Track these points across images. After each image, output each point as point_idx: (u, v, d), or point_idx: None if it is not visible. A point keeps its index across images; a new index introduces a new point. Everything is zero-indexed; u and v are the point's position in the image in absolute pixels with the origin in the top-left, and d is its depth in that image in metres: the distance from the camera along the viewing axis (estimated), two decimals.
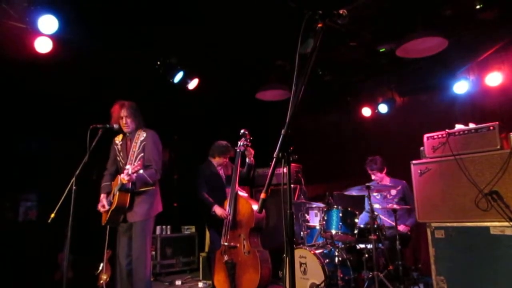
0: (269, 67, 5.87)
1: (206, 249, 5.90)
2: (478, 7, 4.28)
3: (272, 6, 4.17)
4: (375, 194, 4.88)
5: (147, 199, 3.59)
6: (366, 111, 6.73)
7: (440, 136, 3.59)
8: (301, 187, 5.95)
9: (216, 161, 4.83)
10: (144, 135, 3.68)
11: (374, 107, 6.61)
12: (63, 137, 5.28)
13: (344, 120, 7.08)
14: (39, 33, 4.15)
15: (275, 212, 5.64)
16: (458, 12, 4.48)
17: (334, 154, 6.93)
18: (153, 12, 4.43)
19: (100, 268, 4.66)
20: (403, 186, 4.86)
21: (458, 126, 3.55)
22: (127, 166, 3.38)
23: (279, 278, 4.81)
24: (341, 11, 1.96)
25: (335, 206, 4.42)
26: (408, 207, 4.60)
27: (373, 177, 5.00)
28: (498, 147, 3.24)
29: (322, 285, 4.00)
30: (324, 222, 4.37)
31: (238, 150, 4.56)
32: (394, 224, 4.39)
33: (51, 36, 4.25)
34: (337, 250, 4.22)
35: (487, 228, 3.18)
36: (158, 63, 5.27)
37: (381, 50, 5.38)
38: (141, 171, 3.35)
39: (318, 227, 4.71)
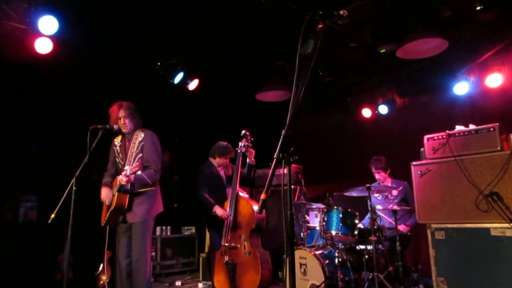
0: (270, 68, 5.87)
1: (206, 249, 5.90)
2: (478, 8, 4.28)
3: (272, 7, 4.17)
4: (376, 195, 4.88)
5: (146, 199, 3.59)
6: (366, 112, 6.73)
7: (440, 137, 3.59)
8: (301, 188, 5.95)
9: (216, 161, 4.83)
10: (142, 135, 3.67)
11: (374, 108, 6.61)
12: (63, 138, 5.28)
13: (344, 121, 7.07)
14: (39, 34, 4.15)
15: (275, 213, 5.64)
16: (458, 13, 4.48)
17: (334, 155, 6.92)
18: (153, 13, 4.43)
19: (100, 268, 4.66)
20: (405, 187, 4.86)
21: (458, 127, 3.55)
22: (126, 167, 3.38)
23: (279, 278, 4.81)
24: (341, 12, 1.96)
25: (335, 207, 4.42)
26: (409, 208, 4.60)
27: (376, 176, 4.99)
28: (498, 148, 3.24)
29: (322, 286, 4.00)
30: (324, 223, 4.37)
31: (239, 150, 4.56)
32: (393, 223, 4.39)
33: (51, 37, 4.25)
34: (337, 251, 4.22)
35: (488, 229, 3.18)
36: (158, 63, 5.27)
37: (381, 51, 5.37)
38: (139, 172, 3.35)
39: (318, 228, 4.71)
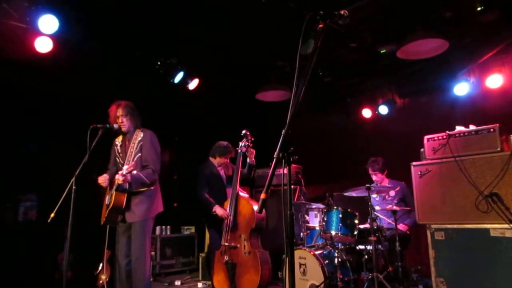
0: (270, 67, 5.87)
1: (206, 249, 5.90)
2: (478, 9, 4.28)
3: (272, 7, 4.17)
4: (374, 195, 4.88)
5: (145, 199, 3.59)
6: (367, 112, 6.73)
7: (440, 137, 3.59)
8: (301, 188, 5.95)
9: (216, 161, 4.83)
10: (142, 135, 3.67)
11: (374, 109, 6.61)
12: (63, 137, 5.28)
13: (344, 121, 7.07)
14: (40, 33, 4.14)
15: (275, 213, 5.64)
16: (459, 14, 4.48)
17: (334, 155, 6.92)
18: (153, 12, 4.43)
19: (100, 268, 4.66)
20: (402, 187, 4.86)
21: (459, 128, 3.55)
22: (124, 167, 3.38)
23: (279, 278, 4.81)
24: (342, 12, 1.96)
25: (335, 207, 4.41)
26: (409, 208, 4.60)
27: (374, 177, 5.00)
28: (499, 149, 3.24)
29: (322, 286, 4.00)
30: (324, 223, 4.37)
31: (239, 150, 4.56)
32: (393, 225, 4.39)
33: (52, 36, 4.25)
34: (336, 251, 4.22)
35: (487, 230, 3.18)
36: (159, 63, 5.27)
37: (381, 52, 5.37)
38: (134, 172, 3.34)
39: (318, 228, 4.71)
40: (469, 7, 4.32)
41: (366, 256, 4.19)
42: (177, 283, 5.59)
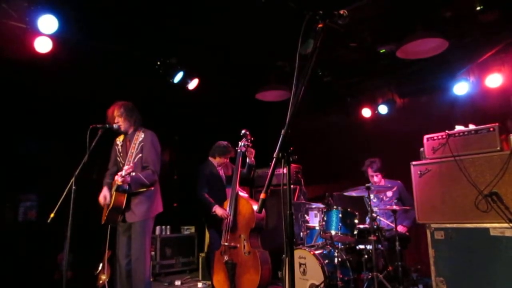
0: (269, 67, 5.88)
1: (206, 249, 5.90)
2: (478, 8, 4.28)
3: (272, 6, 4.17)
4: (371, 197, 4.87)
5: (145, 200, 3.59)
6: (366, 112, 6.73)
7: (440, 137, 3.59)
8: (300, 188, 5.95)
9: (216, 161, 4.83)
10: (143, 136, 3.68)
11: (374, 108, 6.61)
12: (63, 137, 5.28)
13: (344, 120, 7.07)
14: (39, 33, 4.14)
15: (275, 212, 5.64)
16: (458, 14, 4.48)
17: (334, 155, 6.92)
18: (153, 12, 4.43)
19: (100, 268, 4.66)
20: (399, 186, 4.87)
21: (458, 127, 3.55)
22: (125, 167, 3.38)
23: (279, 278, 4.81)
24: (341, 12, 1.96)
25: (335, 207, 4.42)
26: (408, 208, 4.60)
27: (374, 178, 4.97)
28: (498, 148, 3.24)
29: (322, 285, 4.00)
30: (323, 223, 4.37)
31: (239, 150, 4.56)
32: (393, 225, 4.39)
33: (51, 36, 4.25)
34: (336, 250, 4.22)
35: (487, 229, 3.18)
36: (158, 63, 5.27)
37: (381, 51, 5.37)
38: (133, 173, 3.35)
39: (317, 228, 4.71)
40: (469, 6, 4.31)
41: (366, 256, 4.19)
42: (177, 283, 5.59)
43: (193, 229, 6.82)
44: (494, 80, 5.24)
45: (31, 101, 5.14)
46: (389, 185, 4.84)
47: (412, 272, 4.64)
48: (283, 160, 1.73)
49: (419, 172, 3.66)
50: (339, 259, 4.14)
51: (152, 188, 3.64)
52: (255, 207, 4.25)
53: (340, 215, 4.28)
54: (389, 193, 4.92)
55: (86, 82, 5.11)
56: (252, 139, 4.58)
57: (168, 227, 6.54)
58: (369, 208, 4.18)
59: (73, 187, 3.11)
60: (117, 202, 3.47)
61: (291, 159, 1.74)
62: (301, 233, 4.93)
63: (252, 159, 4.67)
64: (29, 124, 5.23)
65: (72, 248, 3.12)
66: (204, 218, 4.83)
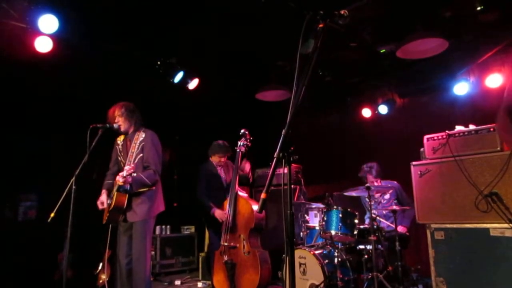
0: (270, 67, 5.88)
1: (206, 249, 5.91)
2: (478, 8, 4.28)
3: (272, 6, 4.17)
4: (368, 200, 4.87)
5: (147, 199, 3.60)
6: (366, 112, 6.73)
7: (440, 137, 3.59)
8: (301, 188, 5.95)
9: (214, 160, 4.85)
10: (143, 136, 3.68)
11: (374, 108, 6.61)
12: (63, 137, 5.28)
13: (344, 120, 7.08)
14: (39, 33, 4.14)
15: (275, 212, 5.64)
16: (459, 14, 4.48)
17: (334, 155, 6.93)
18: (154, 12, 4.43)
19: (100, 267, 4.66)
20: (395, 187, 4.87)
21: (458, 128, 3.55)
22: (126, 167, 3.39)
23: (279, 278, 4.81)
24: (342, 12, 1.96)
25: (335, 207, 4.42)
26: (408, 208, 4.60)
27: (375, 184, 4.96)
28: (498, 148, 3.24)
29: (322, 285, 4.00)
30: (323, 223, 4.37)
31: (238, 150, 4.56)
32: (393, 226, 4.39)
33: (51, 36, 4.25)
34: (336, 250, 4.22)
35: (487, 229, 3.19)
36: (158, 63, 5.27)
37: (381, 51, 5.38)
38: (134, 174, 3.35)
39: (317, 228, 4.71)
40: (469, 7, 4.32)
41: (366, 256, 4.19)
42: (177, 282, 5.59)
43: (193, 229, 6.82)
44: (494, 80, 5.24)
45: (31, 100, 5.14)
46: (389, 185, 4.84)
47: (412, 272, 4.64)
48: (283, 160, 1.73)
49: (419, 172, 3.66)
50: (339, 259, 4.14)
51: (154, 188, 3.64)
52: (255, 207, 4.25)
53: (340, 215, 4.28)
54: (387, 196, 4.92)
55: (86, 81, 5.11)
56: (251, 138, 4.58)
57: (168, 227, 6.55)
58: (368, 208, 4.18)
59: (73, 187, 3.11)
60: (118, 202, 3.47)
61: (291, 159, 1.74)
62: (301, 233, 4.93)
63: (247, 171, 4.67)
64: (29, 124, 5.24)
65: (72, 247, 3.12)
66: (204, 218, 4.83)
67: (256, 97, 6.20)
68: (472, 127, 3.46)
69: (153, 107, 5.26)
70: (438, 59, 5.04)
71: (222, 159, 4.84)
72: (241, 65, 5.79)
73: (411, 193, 3.85)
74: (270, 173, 1.71)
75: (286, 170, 1.75)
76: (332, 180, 6.71)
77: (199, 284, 5.39)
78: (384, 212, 4.85)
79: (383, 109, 6.38)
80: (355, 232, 4.22)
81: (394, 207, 4.37)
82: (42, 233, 4.96)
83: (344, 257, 4.23)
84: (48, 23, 4.01)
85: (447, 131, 3.55)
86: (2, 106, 4.93)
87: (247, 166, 4.71)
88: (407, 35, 4.57)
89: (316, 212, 5.14)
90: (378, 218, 4.58)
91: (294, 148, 1.75)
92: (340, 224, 4.25)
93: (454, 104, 5.59)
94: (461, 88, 5.50)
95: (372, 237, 4.02)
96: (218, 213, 4.48)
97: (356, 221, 4.29)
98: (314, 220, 5.09)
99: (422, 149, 3.75)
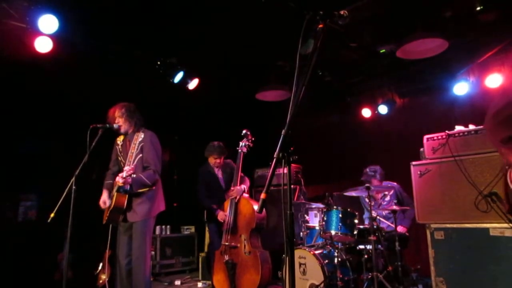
0: (270, 67, 5.88)
1: (206, 249, 5.91)
2: (478, 8, 4.28)
3: (272, 6, 4.17)
4: (367, 201, 4.87)
5: (147, 200, 3.60)
6: (366, 112, 6.73)
7: (440, 137, 3.59)
8: (300, 188, 5.95)
9: (210, 161, 4.85)
10: (143, 136, 3.68)
11: (374, 108, 6.61)
12: (63, 137, 5.28)
13: (344, 120, 7.08)
14: (39, 33, 4.15)
15: (275, 212, 5.64)
16: (458, 14, 4.48)
17: (334, 155, 6.93)
18: (154, 12, 4.43)
19: (100, 267, 4.66)
20: (395, 188, 4.87)
21: (458, 128, 3.55)
22: (126, 167, 3.39)
23: (279, 278, 4.81)
24: (341, 12, 1.96)
25: (335, 207, 4.41)
26: (408, 208, 4.60)
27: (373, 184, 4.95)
28: None
29: (322, 285, 4.00)
30: (323, 223, 4.37)
31: (239, 150, 4.55)
32: (393, 226, 4.39)
33: (51, 36, 4.25)
34: (336, 250, 4.22)
35: (487, 229, 3.19)
36: (158, 63, 5.27)
37: (381, 51, 5.38)
38: (134, 175, 3.35)
39: (317, 228, 4.71)
40: (469, 6, 4.32)
41: (366, 256, 4.19)
42: (177, 282, 5.59)
43: (193, 229, 6.82)
44: (494, 80, 5.24)
45: (31, 100, 5.14)
46: (389, 185, 4.84)
47: (412, 272, 4.64)
48: (283, 160, 1.73)
49: (419, 172, 3.66)
50: (339, 259, 4.14)
51: (154, 188, 3.64)
52: (256, 207, 4.26)
53: (340, 215, 4.28)
54: (387, 198, 4.92)
55: (86, 82, 5.11)
56: (253, 139, 4.58)
57: (168, 226, 6.55)
58: (368, 208, 4.18)
59: (73, 187, 3.11)
60: (118, 203, 3.48)
61: (291, 159, 1.74)
62: (301, 233, 4.93)
63: (247, 187, 4.65)
64: (29, 124, 5.24)
65: (72, 248, 3.12)
66: (205, 218, 4.84)
67: (256, 97, 6.20)
68: (472, 127, 3.45)
69: (153, 107, 5.26)
70: (438, 59, 5.04)
71: (218, 160, 4.81)
72: (241, 65, 5.79)
73: (411, 193, 3.85)
74: (270, 173, 1.71)
75: (286, 170, 1.75)
76: (332, 180, 6.72)
77: (199, 284, 5.39)
78: (384, 212, 4.85)
79: (383, 109, 6.38)
80: (355, 232, 4.22)
81: (394, 207, 4.37)
82: (42, 233, 4.97)
83: (344, 257, 4.23)
84: (48, 23, 4.02)
85: (446, 131, 3.55)
86: (2, 106, 4.92)
87: (247, 183, 4.69)
88: (407, 35, 4.57)
89: (316, 212, 5.14)
90: (378, 218, 4.58)
91: (294, 148, 1.75)
92: (340, 224, 4.24)
93: (454, 104, 5.59)
94: (461, 88, 5.50)
95: (372, 237, 4.02)
96: (219, 215, 4.51)
97: (356, 221, 4.29)
98: (314, 220, 5.09)
99: (421, 149, 3.75)
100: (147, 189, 3.57)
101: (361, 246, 4.35)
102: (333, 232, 4.25)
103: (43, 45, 4.27)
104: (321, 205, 4.95)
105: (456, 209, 3.37)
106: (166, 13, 4.45)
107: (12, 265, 4.87)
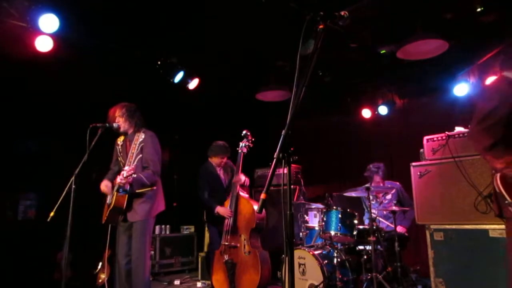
0: (270, 67, 5.88)
1: (205, 249, 5.91)
2: (478, 10, 4.29)
3: (273, 7, 4.17)
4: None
5: (147, 200, 3.60)
6: (366, 113, 6.74)
7: (440, 138, 3.59)
8: (300, 188, 5.95)
9: (213, 161, 4.84)
10: (143, 136, 3.67)
11: (374, 109, 6.62)
12: (63, 136, 5.28)
13: (344, 121, 7.08)
14: (40, 32, 4.15)
15: (275, 212, 5.64)
16: (459, 15, 4.48)
17: (333, 155, 6.93)
18: (154, 12, 4.43)
19: (99, 267, 4.66)
20: (397, 188, 4.87)
21: (458, 129, 3.56)
22: (126, 167, 3.39)
23: (278, 278, 4.81)
24: (342, 13, 1.96)
25: (335, 207, 4.42)
26: (407, 209, 4.60)
27: (380, 184, 4.96)
28: None
29: (321, 286, 4.00)
30: (323, 223, 4.37)
31: (240, 150, 4.55)
32: (392, 226, 4.40)
33: (52, 35, 4.25)
34: (336, 251, 4.23)
35: (486, 230, 3.19)
36: (159, 62, 5.27)
37: (381, 52, 5.38)
38: (134, 175, 3.36)
39: (317, 228, 4.71)
40: (469, 8, 4.32)
41: (365, 256, 4.20)
42: (176, 282, 5.59)
43: (192, 229, 6.82)
44: None
45: (31, 99, 5.14)
46: (389, 186, 4.85)
47: (411, 272, 4.65)
48: (283, 161, 1.73)
49: (418, 173, 3.67)
50: (339, 260, 4.14)
51: (154, 188, 3.64)
52: (256, 207, 4.26)
53: (340, 216, 4.28)
54: (388, 196, 4.92)
55: (87, 81, 5.11)
56: (253, 139, 4.58)
57: (167, 226, 6.55)
58: (367, 209, 4.18)
59: (73, 186, 3.11)
60: (118, 203, 3.47)
61: (291, 160, 1.74)
62: (301, 234, 4.93)
63: (247, 184, 4.64)
64: (29, 123, 5.23)
65: (71, 247, 3.12)
66: (205, 218, 4.83)
67: (256, 97, 6.20)
68: None
69: (153, 107, 5.26)
70: (438, 60, 5.04)
71: (223, 160, 4.83)
72: (242, 65, 5.80)
73: (411, 194, 3.86)
74: (270, 174, 1.71)
75: (286, 171, 1.75)
76: (332, 180, 6.72)
77: (199, 284, 5.39)
78: (384, 212, 4.86)
79: (383, 110, 6.38)
80: (355, 233, 4.22)
81: (394, 208, 4.38)
82: (41, 232, 4.96)
83: (344, 257, 4.23)
84: (49, 22, 4.02)
85: (446, 132, 3.56)
86: (2, 105, 4.92)
87: (246, 181, 4.69)
88: (407, 36, 4.57)
89: (315, 212, 5.14)
90: (378, 218, 4.59)
91: (294, 149, 1.75)
92: (340, 224, 4.25)
93: (454, 105, 5.60)
94: (461, 89, 5.50)
95: (371, 238, 4.03)
96: (221, 210, 4.45)
97: (356, 221, 4.29)
98: (314, 221, 5.09)
99: (421, 150, 3.76)
100: (146, 189, 3.57)
101: (361, 247, 4.36)
102: (332, 233, 4.26)
103: (43, 44, 4.27)
104: (320, 206, 4.95)
105: (456, 210, 3.37)
106: (167, 13, 4.45)
107: (11, 264, 4.86)
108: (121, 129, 3.69)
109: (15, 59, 4.39)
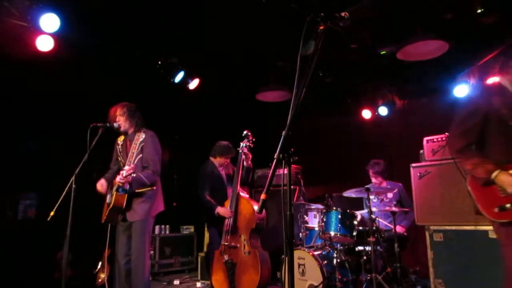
0: (270, 68, 5.88)
1: (205, 249, 5.91)
2: (479, 11, 4.29)
3: (273, 7, 4.18)
4: (372, 197, 4.89)
5: (146, 199, 3.60)
6: (366, 114, 6.74)
7: (439, 139, 3.60)
8: (300, 189, 5.95)
9: (217, 161, 4.83)
10: (143, 136, 3.68)
11: (374, 110, 6.62)
12: (63, 136, 5.28)
13: (344, 122, 7.08)
14: (41, 32, 4.15)
15: (275, 213, 5.65)
16: (459, 16, 4.49)
17: (333, 156, 6.93)
18: (154, 12, 4.43)
19: (99, 266, 4.66)
20: (399, 189, 4.88)
21: None
22: (125, 167, 3.39)
23: (278, 279, 4.82)
24: (342, 14, 1.96)
25: (334, 208, 4.42)
26: (407, 209, 4.61)
27: (373, 180, 5.00)
28: None
29: (320, 286, 4.01)
30: (323, 224, 4.37)
31: (240, 151, 4.55)
32: (391, 226, 4.40)
33: (53, 35, 4.25)
34: (335, 251, 4.23)
35: (486, 231, 3.19)
36: (159, 62, 5.27)
37: (381, 53, 5.38)
38: (133, 175, 3.36)
39: (317, 229, 4.72)
40: (469, 9, 4.33)
41: (365, 257, 4.20)
42: (176, 282, 5.59)
43: (192, 229, 6.82)
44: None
45: (32, 99, 5.14)
46: (389, 187, 4.85)
47: (410, 273, 4.65)
48: (283, 161, 1.74)
49: (418, 174, 3.67)
50: (338, 260, 4.14)
51: (154, 188, 3.65)
52: (256, 208, 4.26)
53: (340, 216, 4.29)
54: (390, 195, 4.93)
55: (87, 81, 5.11)
56: (254, 140, 4.58)
57: (167, 226, 6.55)
58: (368, 210, 4.19)
59: (73, 186, 3.11)
60: (118, 202, 3.47)
61: (291, 160, 1.75)
62: (300, 234, 4.93)
63: (249, 162, 4.65)
64: (30, 122, 5.24)
65: (71, 246, 3.12)
66: (205, 218, 4.83)
67: (257, 98, 6.20)
68: None
69: (153, 107, 5.26)
70: (439, 61, 5.05)
71: (227, 160, 4.83)
72: (242, 65, 5.80)
73: (411, 194, 3.86)
74: (270, 174, 1.71)
75: (286, 171, 1.75)
76: (332, 181, 6.72)
77: (198, 284, 5.39)
78: (384, 211, 4.85)
79: (383, 111, 6.39)
80: (354, 233, 4.23)
81: (394, 208, 4.38)
82: (41, 231, 4.97)
83: (343, 258, 4.23)
84: (50, 22, 4.03)
85: (446, 133, 3.56)
86: (2, 105, 4.93)
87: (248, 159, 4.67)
88: (407, 37, 4.58)
89: (315, 213, 5.15)
90: (377, 219, 4.59)
91: (294, 149, 1.76)
92: (339, 225, 4.25)
93: (454, 106, 5.59)
94: (461, 90, 5.51)
95: (371, 239, 4.03)
96: (221, 210, 4.45)
97: (355, 222, 4.30)
98: (314, 221, 5.10)
99: (421, 151, 3.76)
100: (146, 189, 3.58)
101: (360, 247, 4.36)
102: (332, 233, 4.26)
103: (44, 44, 4.27)
104: (320, 206, 4.96)
105: (456, 211, 3.38)
106: (167, 13, 4.45)
107: (11, 263, 4.87)
108: (122, 129, 3.69)
109: (16, 59, 4.39)
